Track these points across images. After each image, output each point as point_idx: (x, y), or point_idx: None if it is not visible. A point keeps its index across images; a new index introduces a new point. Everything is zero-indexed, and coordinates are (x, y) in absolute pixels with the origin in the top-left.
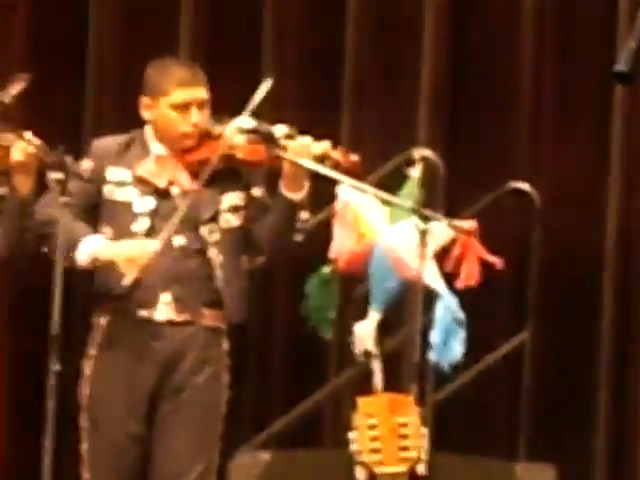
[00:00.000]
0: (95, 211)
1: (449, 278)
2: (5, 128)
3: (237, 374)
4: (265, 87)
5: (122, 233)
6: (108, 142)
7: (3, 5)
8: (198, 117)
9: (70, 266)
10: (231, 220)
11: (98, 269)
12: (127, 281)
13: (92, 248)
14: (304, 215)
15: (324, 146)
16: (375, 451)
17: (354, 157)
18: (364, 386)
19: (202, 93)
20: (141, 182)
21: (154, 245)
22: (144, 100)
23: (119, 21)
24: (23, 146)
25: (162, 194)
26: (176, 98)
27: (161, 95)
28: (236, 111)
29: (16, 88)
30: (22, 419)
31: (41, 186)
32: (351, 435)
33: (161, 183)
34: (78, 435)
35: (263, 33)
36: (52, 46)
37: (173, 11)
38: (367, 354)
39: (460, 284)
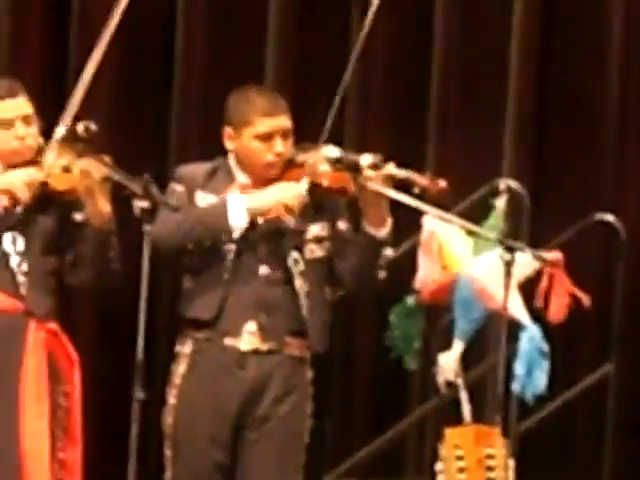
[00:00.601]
0: None
1: (533, 309)
2: (84, 153)
3: (320, 403)
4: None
5: (212, 259)
6: (195, 168)
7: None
8: (282, 147)
9: (226, 237)
10: (316, 251)
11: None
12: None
13: (242, 206)
14: (388, 252)
15: (410, 172)
16: None
17: (442, 183)
18: (447, 417)
19: (285, 122)
20: None
21: (302, 186)
22: (227, 130)
23: (205, 52)
24: (99, 169)
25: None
26: (260, 128)
27: (245, 125)
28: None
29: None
30: (106, 446)
31: (128, 215)
32: (438, 466)
33: None
34: (162, 464)
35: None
36: (140, 77)
37: (259, 42)
38: (450, 384)
39: (549, 318)
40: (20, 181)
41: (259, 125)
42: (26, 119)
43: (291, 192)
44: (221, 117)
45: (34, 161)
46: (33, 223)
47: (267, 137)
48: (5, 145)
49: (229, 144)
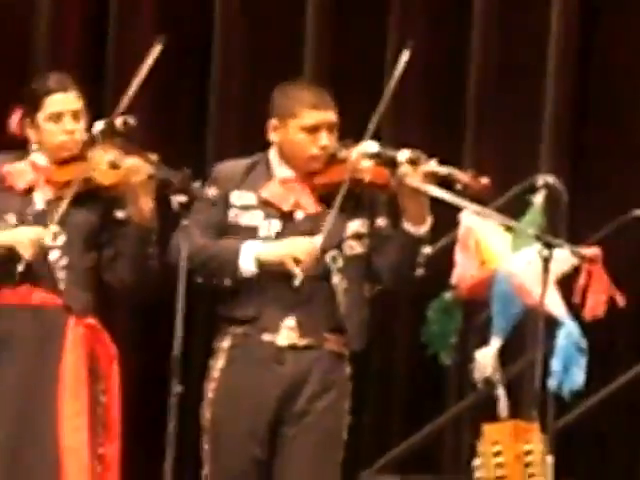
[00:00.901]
0: (222, 233)
1: (571, 305)
2: (129, 149)
3: (358, 399)
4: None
5: None
6: (232, 166)
7: (132, 45)
8: (327, 140)
9: (233, 281)
10: (355, 247)
11: (261, 274)
12: (297, 282)
13: (254, 252)
14: (426, 250)
15: (451, 169)
16: (501, 478)
17: (484, 180)
18: (485, 413)
19: (331, 116)
20: (266, 205)
21: (317, 241)
22: (272, 122)
23: (243, 50)
24: (145, 167)
25: (287, 217)
26: (306, 121)
27: (291, 117)
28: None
29: (153, 55)
30: (144, 441)
31: (165, 210)
32: (476, 462)
33: (286, 206)
34: (199, 458)
35: (385, 64)
36: (176, 75)
37: (296, 40)
38: (487, 381)
39: (586, 314)
40: (26, 238)
41: (305, 117)
42: (75, 114)
43: (304, 247)
44: (259, 116)
45: (80, 156)
46: (75, 218)
47: (313, 129)
48: (53, 139)
49: (273, 136)
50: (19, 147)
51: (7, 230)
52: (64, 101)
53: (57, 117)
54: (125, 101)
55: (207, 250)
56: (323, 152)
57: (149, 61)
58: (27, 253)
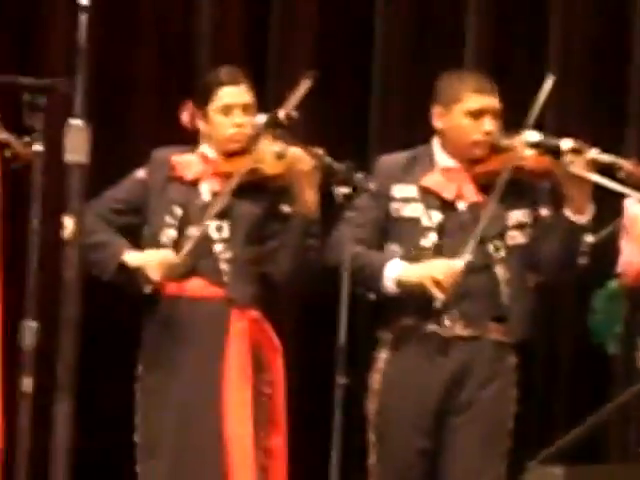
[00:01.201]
0: (381, 227)
1: None
2: (293, 142)
3: (524, 389)
4: (547, 87)
5: (411, 250)
6: (393, 159)
7: (289, 24)
8: (491, 126)
9: (378, 296)
10: (517, 237)
11: (406, 293)
12: (438, 304)
13: (395, 273)
14: (589, 238)
15: (614, 157)
16: None
17: None
18: None
19: (496, 103)
20: (427, 194)
21: (459, 264)
22: (436, 109)
23: (405, 38)
24: (310, 158)
25: (448, 207)
26: (471, 105)
27: (456, 102)
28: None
29: (302, 89)
30: (309, 433)
31: (329, 202)
32: None
33: (448, 195)
34: (365, 449)
35: (549, 50)
36: (338, 63)
37: (458, 27)
38: None
39: None
40: (155, 262)
41: (470, 101)
42: (246, 107)
43: (444, 269)
44: (422, 103)
45: (248, 149)
46: (240, 211)
47: (477, 114)
48: (223, 131)
49: (438, 123)
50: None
51: (138, 254)
52: (235, 94)
53: (228, 109)
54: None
55: (357, 261)
56: (487, 138)
57: (298, 94)
58: (155, 276)
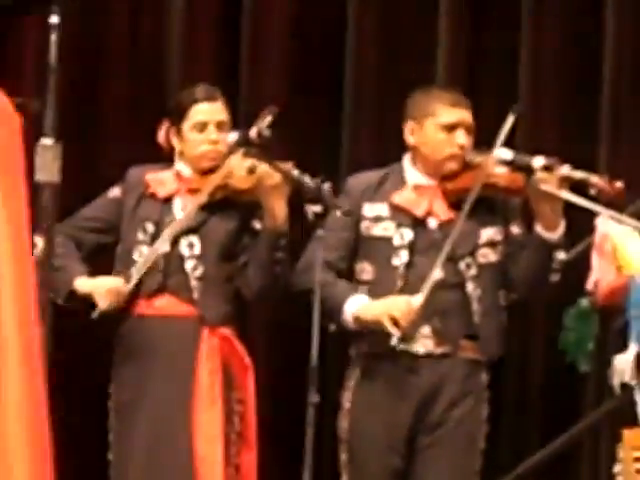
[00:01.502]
0: (352, 247)
1: None
2: (264, 159)
3: (495, 407)
4: (512, 118)
5: (382, 269)
6: (363, 178)
7: (260, 41)
8: (465, 139)
9: (338, 328)
10: (489, 255)
11: (363, 328)
12: (394, 341)
13: (354, 309)
14: (560, 255)
15: (586, 173)
16: None
17: (619, 184)
18: (623, 419)
19: (469, 117)
20: (398, 212)
21: (417, 300)
22: (409, 124)
23: (376, 53)
24: (280, 172)
25: (419, 225)
26: (445, 119)
27: (429, 116)
28: (490, 144)
29: (265, 121)
30: (280, 451)
31: (299, 218)
32: (616, 468)
33: (419, 212)
34: (336, 468)
35: (520, 66)
36: (309, 78)
37: (430, 42)
38: (625, 387)
39: None
40: (103, 289)
41: (443, 115)
42: (220, 124)
43: (402, 306)
44: (393, 118)
45: (217, 166)
46: (212, 227)
47: (451, 128)
48: (197, 148)
49: (410, 138)
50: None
51: (89, 281)
52: (210, 111)
53: (202, 126)
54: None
55: (322, 291)
56: (461, 152)
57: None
58: (103, 304)
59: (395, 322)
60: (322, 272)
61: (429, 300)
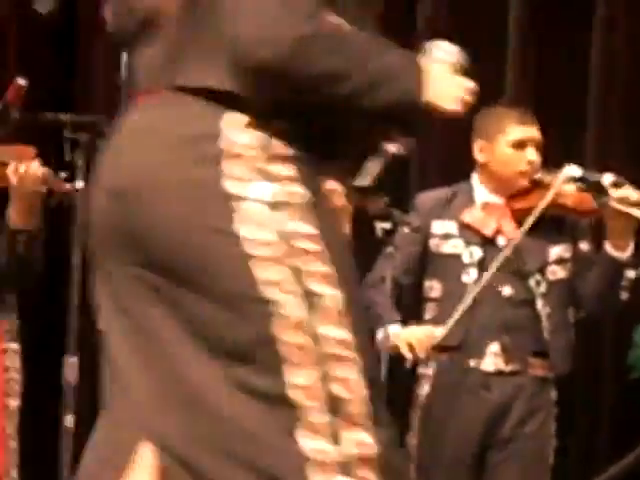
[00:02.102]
0: (420, 263)
1: None
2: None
3: (564, 424)
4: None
5: (452, 286)
6: (432, 195)
7: None
8: (534, 156)
9: None
10: (558, 272)
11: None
12: (408, 364)
13: (384, 332)
14: (630, 274)
15: None
16: None
17: None
18: None
19: (538, 133)
20: (467, 230)
21: (439, 332)
22: (478, 143)
23: None
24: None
25: (488, 243)
26: (514, 135)
27: (498, 134)
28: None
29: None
30: None
31: (369, 235)
32: None
33: (488, 231)
34: None
35: (589, 97)
36: None
37: (500, 71)
38: None
39: None
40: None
41: (513, 132)
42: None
43: (421, 335)
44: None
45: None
46: None
47: (520, 145)
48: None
49: (480, 156)
50: None
51: None
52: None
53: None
54: None
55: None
56: (531, 168)
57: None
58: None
59: (410, 347)
60: (388, 290)
61: (497, 316)
